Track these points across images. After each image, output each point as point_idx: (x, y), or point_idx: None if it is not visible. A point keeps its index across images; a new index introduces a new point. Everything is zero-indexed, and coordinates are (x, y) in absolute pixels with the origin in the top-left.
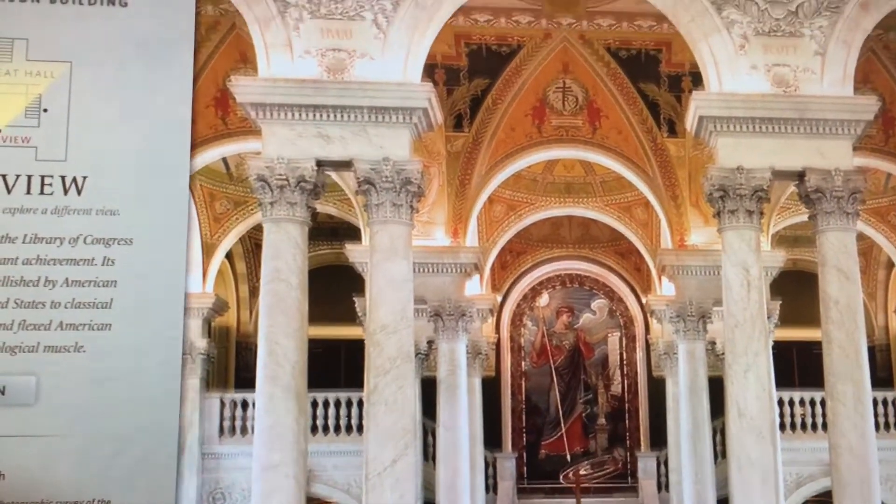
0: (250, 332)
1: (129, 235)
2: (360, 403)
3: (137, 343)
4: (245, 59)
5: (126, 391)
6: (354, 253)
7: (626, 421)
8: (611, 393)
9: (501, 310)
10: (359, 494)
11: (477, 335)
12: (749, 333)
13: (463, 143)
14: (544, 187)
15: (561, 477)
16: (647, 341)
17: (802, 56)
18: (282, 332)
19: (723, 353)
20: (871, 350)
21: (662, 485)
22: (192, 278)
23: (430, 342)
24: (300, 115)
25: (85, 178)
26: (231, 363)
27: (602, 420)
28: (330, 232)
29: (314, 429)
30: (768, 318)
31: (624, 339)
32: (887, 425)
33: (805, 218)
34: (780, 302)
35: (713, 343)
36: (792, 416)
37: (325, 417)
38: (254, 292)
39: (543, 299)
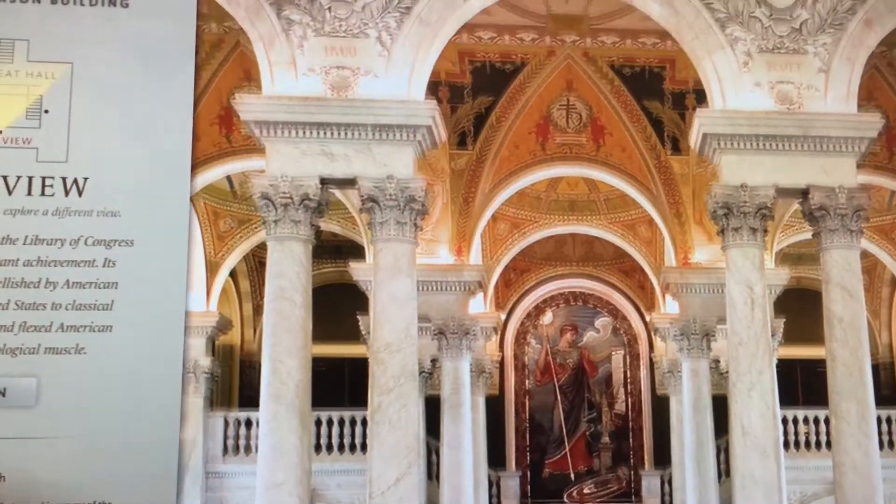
0: (254, 350)
1: (130, 237)
2: (364, 422)
3: (139, 344)
4: (249, 77)
5: (127, 393)
6: (358, 271)
7: (630, 439)
8: (615, 411)
9: (505, 328)
10: None
11: (481, 353)
12: (753, 351)
13: (467, 160)
14: (548, 205)
15: (565, 496)
16: (650, 359)
17: (806, 73)
18: (285, 351)
19: (727, 372)
20: (875, 368)
21: (666, 503)
22: (196, 297)
23: (433, 360)
24: (304, 132)
25: (86, 179)
26: (235, 382)
27: (606, 438)
28: (334, 250)
29: (318, 447)
30: (772, 335)
31: (628, 357)
32: (891, 443)
33: (809, 235)
34: (784, 320)
35: (717, 361)
36: (796, 434)
37: (329, 436)
38: (258, 311)
39: (547, 317)
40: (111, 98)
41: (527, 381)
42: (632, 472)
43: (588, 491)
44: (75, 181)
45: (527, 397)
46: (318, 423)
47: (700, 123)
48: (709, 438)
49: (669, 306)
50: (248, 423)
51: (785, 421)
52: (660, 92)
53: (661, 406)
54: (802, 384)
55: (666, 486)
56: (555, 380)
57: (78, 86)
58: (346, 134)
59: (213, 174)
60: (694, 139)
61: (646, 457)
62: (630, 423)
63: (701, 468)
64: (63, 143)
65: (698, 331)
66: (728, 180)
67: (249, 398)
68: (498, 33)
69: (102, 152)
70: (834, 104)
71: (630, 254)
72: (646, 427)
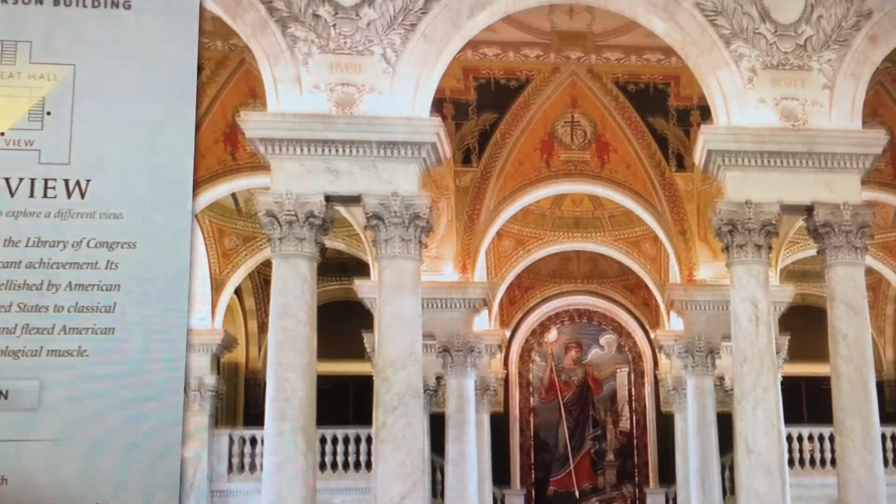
0: (259, 368)
1: (132, 239)
2: (369, 440)
3: (141, 346)
4: (254, 95)
5: (130, 395)
6: (363, 288)
7: (635, 457)
8: (619, 429)
9: (510, 345)
10: None
11: (485, 371)
12: (758, 369)
13: (471, 177)
14: (553, 222)
15: None
16: (655, 377)
17: (811, 89)
18: (290, 369)
19: (731, 389)
20: (880, 385)
21: None
22: (201, 314)
23: (438, 378)
24: (309, 149)
25: (88, 181)
26: (240, 400)
27: (611, 456)
28: (339, 267)
29: (322, 465)
30: (777, 353)
31: (632, 374)
32: None
33: (814, 252)
34: (789, 337)
35: (722, 378)
36: (801, 451)
37: (334, 454)
38: (263, 328)
39: (552, 335)
40: (114, 100)
41: (531, 399)
42: (636, 490)
43: None
44: (77, 183)
45: (531, 415)
46: (323, 441)
47: (704, 140)
48: (713, 456)
49: (674, 323)
50: (254, 442)
51: (790, 438)
52: (664, 108)
53: (665, 423)
54: (807, 401)
55: (671, 503)
56: (559, 397)
57: (80, 88)
58: (350, 151)
59: (218, 191)
60: (698, 156)
61: (650, 474)
62: (635, 441)
63: (706, 486)
64: (65, 145)
65: (703, 348)
66: (733, 197)
67: (254, 416)
68: (502, 50)
69: (105, 154)
70: (839, 120)
71: (635, 271)
72: (650, 445)
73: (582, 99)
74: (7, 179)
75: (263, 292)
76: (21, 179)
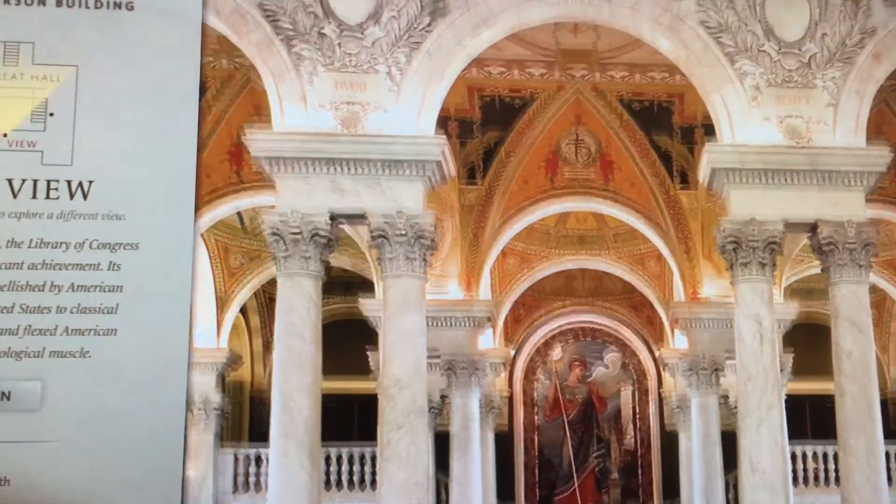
0: (264, 386)
1: (135, 240)
2: (374, 458)
3: (144, 348)
4: (259, 113)
5: (132, 396)
6: (368, 306)
7: (639, 475)
8: (623, 447)
9: (514, 363)
10: None
11: (490, 389)
12: (762, 386)
13: (476, 195)
14: (557, 240)
15: None
16: (659, 394)
17: (815, 107)
18: (295, 387)
19: (736, 407)
20: (884, 403)
21: None
22: (206, 333)
23: (443, 396)
24: (314, 167)
25: (91, 182)
26: (245, 418)
27: (615, 474)
28: (343, 285)
29: (328, 484)
30: (781, 370)
31: (637, 392)
32: None
33: (818, 270)
34: (793, 354)
35: (726, 396)
36: (805, 469)
37: (339, 472)
38: (268, 346)
39: (556, 352)
40: (116, 101)
41: (536, 417)
42: None
43: None
44: (80, 184)
45: (536, 433)
46: (328, 459)
47: (709, 158)
48: (718, 474)
49: (678, 341)
50: (259, 460)
51: (794, 456)
52: (669, 126)
53: (670, 441)
54: (811, 419)
55: None
56: (564, 415)
57: (83, 89)
58: (355, 169)
59: (224, 210)
60: (703, 173)
61: (655, 493)
62: (639, 459)
63: None
64: (68, 146)
65: (707, 366)
66: (737, 214)
67: (260, 434)
68: (507, 68)
69: (107, 155)
70: (843, 138)
71: (639, 288)
72: (655, 463)
73: (586, 117)
74: (9, 180)
75: (269, 310)
76: (24, 180)
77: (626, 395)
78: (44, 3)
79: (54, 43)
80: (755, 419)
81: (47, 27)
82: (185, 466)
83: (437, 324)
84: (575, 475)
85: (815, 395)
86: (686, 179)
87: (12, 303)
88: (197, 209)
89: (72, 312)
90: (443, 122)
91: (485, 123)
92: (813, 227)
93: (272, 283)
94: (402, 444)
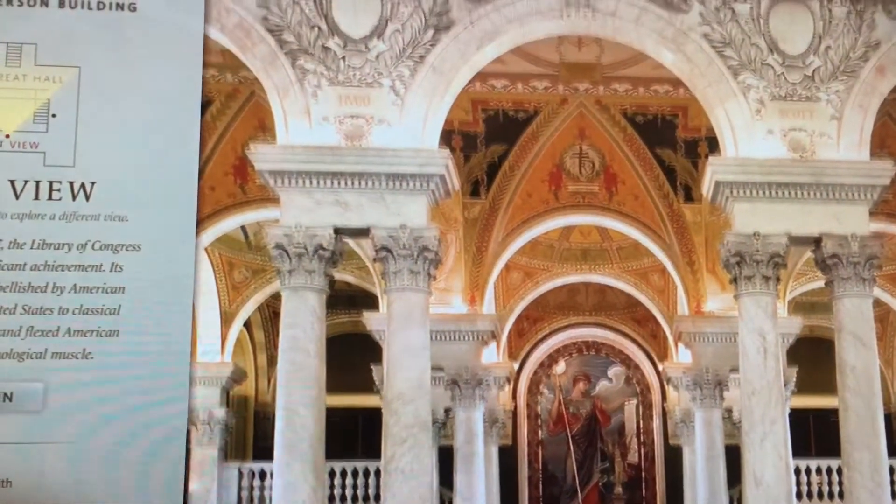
0: (268, 401)
1: (137, 241)
2: (378, 473)
3: (145, 349)
4: (264, 127)
5: (134, 397)
6: (372, 321)
7: (643, 489)
8: (627, 461)
9: (518, 377)
10: None
11: (494, 403)
12: (766, 401)
13: (480, 209)
14: (561, 254)
15: None
16: (663, 409)
17: (819, 120)
18: (300, 402)
19: (740, 421)
20: (888, 417)
21: None
22: (210, 347)
23: (446, 410)
24: (318, 182)
25: (93, 183)
26: (249, 433)
27: (619, 489)
28: (347, 300)
29: (332, 499)
30: (785, 385)
31: (641, 406)
32: None
33: (821, 284)
34: (797, 369)
35: (730, 411)
36: (809, 484)
37: (343, 487)
38: (272, 361)
39: (560, 367)
40: (118, 102)
41: (540, 432)
42: None
43: None
44: (83, 185)
45: (539, 447)
46: (332, 474)
47: (713, 171)
48: (722, 489)
49: (682, 355)
50: (263, 475)
51: (798, 471)
52: (672, 140)
53: (674, 456)
54: (815, 434)
55: None
56: (568, 430)
57: (85, 90)
58: (359, 183)
59: (228, 224)
60: (706, 187)
61: None
62: (643, 474)
63: None
64: (70, 148)
65: (711, 380)
66: (741, 229)
67: (264, 449)
68: (511, 82)
69: (110, 156)
70: (846, 152)
71: (643, 303)
72: (659, 477)
73: (590, 130)
74: (12, 182)
75: (273, 325)
76: (26, 181)
77: (630, 409)
78: (46, 5)
79: (57, 44)
80: (759, 433)
81: (50, 28)
82: (186, 466)
83: (440, 338)
84: (579, 490)
85: (820, 410)
86: (690, 193)
87: (14, 304)
88: (199, 210)
89: (74, 314)
90: (447, 136)
91: (488, 137)
92: (817, 241)
93: (276, 298)
94: (405, 459)
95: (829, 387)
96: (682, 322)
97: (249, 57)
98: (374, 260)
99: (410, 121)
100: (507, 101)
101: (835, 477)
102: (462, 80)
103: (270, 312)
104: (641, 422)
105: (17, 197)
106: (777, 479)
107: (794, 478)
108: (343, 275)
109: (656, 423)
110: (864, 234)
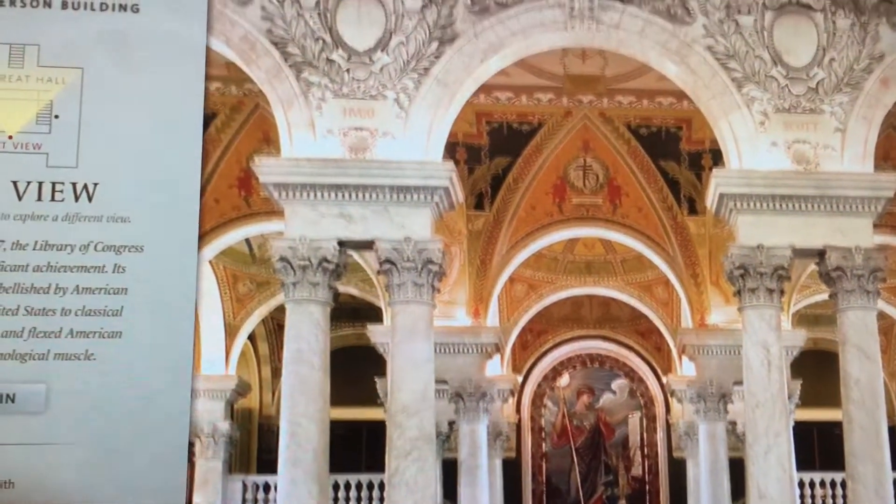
0: (272, 413)
1: (139, 242)
2: (381, 486)
3: (148, 351)
4: (268, 140)
5: (136, 399)
6: (376, 333)
7: (647, 502)
8: (631, 474)
9: (522, 390)
10: None
11: (498, 416)
12: (770, 413)
13: (484, 222)
14: (565, 266)
15: None
16: (667, 422)
17: (823, 133)
18: (304, 415)
19: (743, 434)
20: (892, 430)
21: None
22: (215, 360)
23: (450, 423)
24: (322, 194)
25: (96, 184)
26: (253, 445)
27: (623, 502)
28: (351, 312)
29: None
30: (789, 398)
31: (644, 419)
32: None
33: (825, 297)
34: (801, 382)
35: (734, 423)
36: (812, 497)
37: (347, 500)
38: (276, 374)
39: (564, 380)
40: (122, 103)
41: (543, 444)
42: None
43: None
44: (85, 187)
45: (543, 460)
46: (336, 487)
47: (716, 184)
48: (726, 501)
49: (686, 368)
50: (267, 488)
51: (801, 484)
52: (676, 152)
53: (677, 469)
54: (819, 447)
55: None
56: (571, 442)
57: (88, 91)
58: (364, 196)
59: (232, 237)
60: (710, 199)
61: None
62: (647, 486)
63: None
64: (73, 149)
65: (715, 393)
66: (744, 241)
67: (268, 462)
68: (515, 94)
69: (113, 158)
70: (850, 164)
71: (647, 315)
72: (662, 490)
73: (594, 143)
74: (15, 183)
75: (277, 338)
76: (28, 183)
77: (634, 422)
78: (49, 5)
79: (60, 45)
80: (763, 446)
81: (52, 29)
82: (188, 466)
83: (445, 351)
84: (583, 502)
85: (824, 422)
86: (694, 206)
87: (17, 305)
88: (201, 212)
89: (76, 315)
90: (451, 149)
91: (493, 149)
92: (821, 254)
93: (280, 311)
94: (410, 472)
95: (833, 399)
96: (685, 335)
97: (254, 69)
98: (378, 272)
99: (414, 133)
100: (511, 113)
101: (839, 490)
102: (466, 93)
103: (275, 325)
104: (645, 434)
105: (19, 198)
106: (781, 492)
107: (797, 491)
108: (347, 287)
109: (660, 436)
110: (868, 246)
